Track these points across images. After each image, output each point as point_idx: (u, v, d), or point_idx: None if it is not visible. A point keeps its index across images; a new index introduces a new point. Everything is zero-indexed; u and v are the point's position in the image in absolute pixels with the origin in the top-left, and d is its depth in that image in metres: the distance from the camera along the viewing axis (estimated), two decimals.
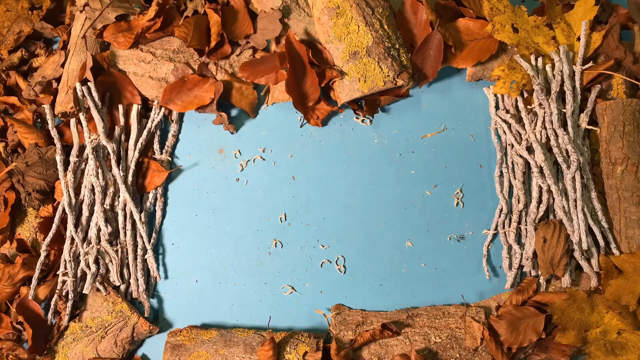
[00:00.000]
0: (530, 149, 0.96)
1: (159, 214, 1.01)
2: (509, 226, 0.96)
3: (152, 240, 1.00)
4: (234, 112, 1.05)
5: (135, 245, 0.99)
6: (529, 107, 0.97)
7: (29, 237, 1.00)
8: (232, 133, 1.04)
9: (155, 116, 1.03)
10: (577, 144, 0.94)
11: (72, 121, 1.00)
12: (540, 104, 0.95)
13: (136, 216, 0.98)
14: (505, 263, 0.95)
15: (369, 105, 1.01)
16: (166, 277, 1.00)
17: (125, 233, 0.99)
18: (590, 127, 0.95)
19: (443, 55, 0.97)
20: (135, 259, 0.99)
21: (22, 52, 1.08)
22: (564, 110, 0.95)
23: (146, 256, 0.99)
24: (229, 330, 0.94)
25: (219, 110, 1.01)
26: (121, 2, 1.04)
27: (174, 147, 1.05)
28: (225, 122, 1.02)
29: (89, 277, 0.96)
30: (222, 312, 0.98)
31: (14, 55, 1.08)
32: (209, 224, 1.01)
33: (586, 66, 0.95)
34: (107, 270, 0.98)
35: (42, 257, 0.97)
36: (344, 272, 0.98)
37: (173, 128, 1.04)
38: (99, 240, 0.98)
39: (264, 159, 1.03)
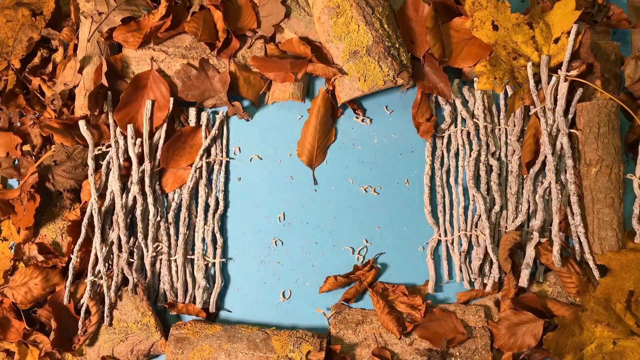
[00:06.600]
0: (506, 153, 0.97)
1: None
2: (483, 228, 0.96)
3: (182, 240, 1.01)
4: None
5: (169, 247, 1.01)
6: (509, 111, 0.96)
7: (54, 238, 1.01)
8: (247, 120, 1.04)
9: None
10: (555, 148, 0.94)
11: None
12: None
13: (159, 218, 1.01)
14: (475, 264, 0.96)
15: None
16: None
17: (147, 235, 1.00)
18: (572, 130, 0.94)
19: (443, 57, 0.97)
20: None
21: (42, 51, 1.07)
22: (545, 116, 0.94)
23: (175, 257, 1.01)
24: (232, 325, 0.96)
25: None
26: (128, 5, 1.05)
27: None
28: (240, 110, 1.02)
29: (117, 281, 0.98)
30: (222, 312, 1.01)
31: (35, 58, 1.09)
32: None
33: (570, 72, 0.93)
34: (134, 274, 0.99)
35: (73, 260, 0.97)
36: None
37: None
38: (128, 241, 0.99)
39: (261, 158, 1.03)
